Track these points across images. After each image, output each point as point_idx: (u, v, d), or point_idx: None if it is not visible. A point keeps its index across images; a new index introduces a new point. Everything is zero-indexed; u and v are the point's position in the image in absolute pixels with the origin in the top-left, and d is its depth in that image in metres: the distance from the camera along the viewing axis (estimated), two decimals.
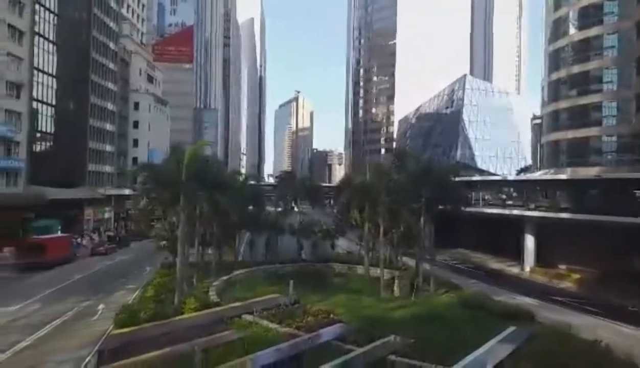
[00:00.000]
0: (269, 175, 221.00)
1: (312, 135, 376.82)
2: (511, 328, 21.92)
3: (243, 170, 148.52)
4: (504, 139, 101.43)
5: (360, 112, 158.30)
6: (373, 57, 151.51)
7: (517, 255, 53.25)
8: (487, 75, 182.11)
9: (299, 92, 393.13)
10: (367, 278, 39.22)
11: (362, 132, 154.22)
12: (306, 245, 49.75)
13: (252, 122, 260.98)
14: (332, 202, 68.82)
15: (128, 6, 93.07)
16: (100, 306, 30.60)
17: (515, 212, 53.79)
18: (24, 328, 25.51)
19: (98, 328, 25.24)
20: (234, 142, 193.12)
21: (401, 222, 36.54)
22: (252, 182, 53.92)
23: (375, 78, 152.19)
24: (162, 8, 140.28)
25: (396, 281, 34.94)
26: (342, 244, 55.47)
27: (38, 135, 56.92)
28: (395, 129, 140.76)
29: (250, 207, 45.94)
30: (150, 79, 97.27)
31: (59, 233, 52.83)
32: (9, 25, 49.59)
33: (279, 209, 51.89)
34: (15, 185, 50.49)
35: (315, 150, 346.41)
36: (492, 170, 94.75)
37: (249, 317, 23.42)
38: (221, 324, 22.57)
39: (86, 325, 26.57)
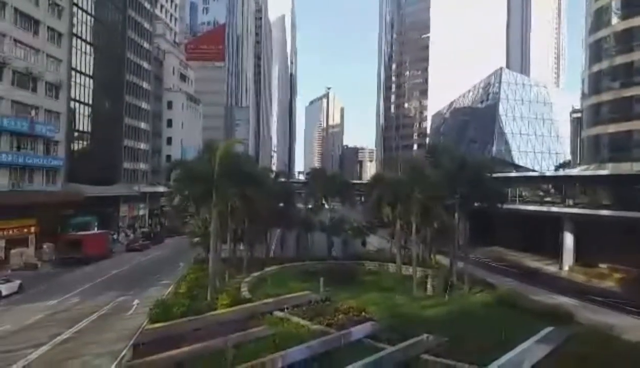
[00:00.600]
0: (299, 172, 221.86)
1: (342, 131, 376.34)
2: (549, 329, 21.30)
3: (274, 167, 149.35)
4: (541, 133, 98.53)
5: (392, 107, 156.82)
6: (405, 52, 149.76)
7: (555, 253, 51.61)
8: (524, 68, 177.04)
9: (329, 88, 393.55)
10: (399, 276, 38.73)
11: (394, 127, 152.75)
12: (337, 242, 49.55)
13: (283, 119, 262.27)
14: (363, 199, 68.36)
15: (161, 6, 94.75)
16: (135, 301, 31.24)
17: (554, 209, 52.13)
18: (63, 321, 26.29)
19: (133, 323, 25.80)
20: (265, 139, 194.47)
21: (434, 219, 35.86)
22: (282, 179, 54.09)
23: (407, 73, 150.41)
24: (194, 7, 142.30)
25: (429, 279, 34.36)
26: (373, 242, 55.02)
27: (76, 134, 58.53)
28: (428, 124, 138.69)
29: (281, 204, 46.03)
30: (183, 78, 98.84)
31: (96, 230, 54.34)
32: (49, 28, 51.12)
33: (310, 206, 51.80)
34: (54, 183, 52.11)
35: (345, 147, 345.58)
36: (529, 166, 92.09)
37: (280, 314, 23.46)
38: (253, 320, 22.69)
39: (122, 319, 27.17)
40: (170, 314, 23.12)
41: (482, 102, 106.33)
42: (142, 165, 77.05)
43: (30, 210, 46.91)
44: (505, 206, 40.01)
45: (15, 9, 46.08)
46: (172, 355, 17.87)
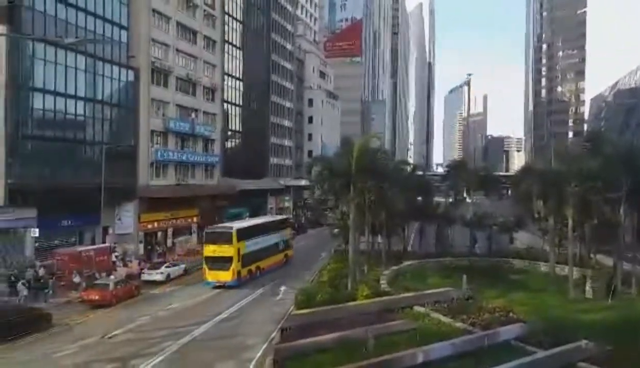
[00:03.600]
0: (437, 165, 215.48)
1: (485, 120, 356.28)
2: None
3: (410, 160, 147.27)
4: None
5: (543, 92, 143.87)
6: (557, 30, 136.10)
7: None
8: None
9: (470, 75, 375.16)
10: (552, 276, 35.55)
11: (545, 114, 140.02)
12: (480, 238, 47.09)
13: (420, 110, 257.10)
14: (509, 192, 63.96)
15: (302, 7, 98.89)
16: (282, 287, 33.36)
17: None
18: (220, 303, 29.18)
19: (281, 308, 27.66)
20: (402, 132, 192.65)
21: (595, 214, 32.15)
22: (419, 173, 53.04)
23: (560, 53, 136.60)
24: (332, 4, 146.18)
25: (588, 281, 30.96)
26: (522, 238, 51.28)
27: (229, 133, 64.10)
28: (586, 108, 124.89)
29: (419, 198, 45.18)
30: (323, 76, 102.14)
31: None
32: (205, 37, 56.66)
33: (450, 200, 49.97)
34: (212, 177, 57.83)
35: (489, 137, 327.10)
36: None
37: (420, 309, 23.10)
38: (392, 313, 22.71)
39: (271, 304, 29.26)
40: (313, 302, 24.18)
41: None
42: (287, 161, 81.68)
43: (193, 202, 52.72)
44: None
45: (177, 22, 51.80)
46: (316, 341, 18.71)
